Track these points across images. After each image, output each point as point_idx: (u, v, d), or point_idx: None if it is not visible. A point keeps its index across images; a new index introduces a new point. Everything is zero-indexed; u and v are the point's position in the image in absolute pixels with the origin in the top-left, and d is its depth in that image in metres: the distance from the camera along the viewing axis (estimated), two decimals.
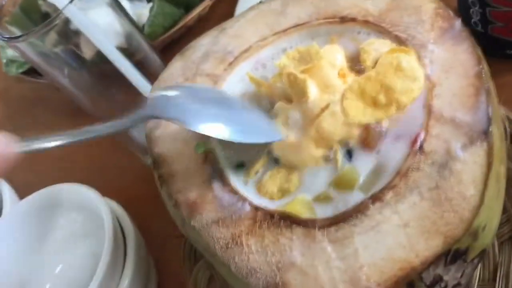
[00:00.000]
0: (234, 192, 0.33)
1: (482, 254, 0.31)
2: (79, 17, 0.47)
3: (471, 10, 0.49)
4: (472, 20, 0.50)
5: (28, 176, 0.71)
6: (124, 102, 0.58)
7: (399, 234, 0.28)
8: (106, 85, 0.57)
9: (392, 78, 0.32)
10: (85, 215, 0.49)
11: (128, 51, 0.58)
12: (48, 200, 0.49)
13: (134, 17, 0.71)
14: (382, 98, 0.32)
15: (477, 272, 0.40)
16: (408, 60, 0.33)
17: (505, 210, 0.41)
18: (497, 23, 0.48)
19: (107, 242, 0.43)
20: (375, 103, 0.32)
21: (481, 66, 0.32)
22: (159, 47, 0.69)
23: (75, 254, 0.51)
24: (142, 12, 0.71)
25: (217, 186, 0.34)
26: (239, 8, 0.68)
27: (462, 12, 0.51)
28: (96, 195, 0.47)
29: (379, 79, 0.32)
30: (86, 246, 0.50)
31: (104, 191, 0.54)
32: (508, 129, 0.44)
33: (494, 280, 0.39)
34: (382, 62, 0.33)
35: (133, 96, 0.54)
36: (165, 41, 0.69)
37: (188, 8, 0.71)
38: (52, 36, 0.66)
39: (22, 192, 0.65)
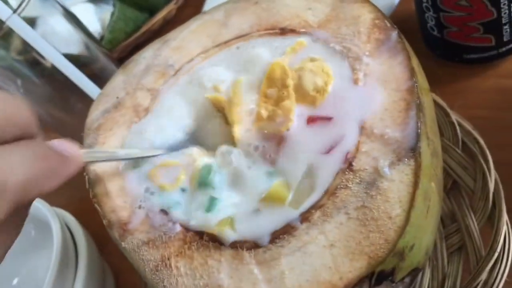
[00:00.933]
0: (165, 211, 0.32)
1: (415, 272, 0.31)
2: (23, 27, 0.46)
3: (426, 15, 0.48)
4: (428, 25, 0.49)
5: None
6: (82, 113, 0.57)
7: (325, 255, 0.28)
8: (65, 96, 0.56)
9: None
10: (37, 226, 0.49)
11: (88, 59, 0.57)
12: None
13: (99, 22, 0.70)
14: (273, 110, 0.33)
15: (426, 283, 0.40)
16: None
17: (454, 220, 0.41)
18: (452, 28, 0.47)
19: (54, 253, 0.43)
20: (271, 119, 0.33)
21: (413, 80, 0.31)
22: (124, 52, 0.68)
23: (31, 266, 0.51)
24: (106, 17, 0.70)
25: (149, 206, 0.33)
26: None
27: (419, 16, 0.50)
28: (44, 205, 0.46)
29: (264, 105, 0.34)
30: (40, 257, 0.50)
31: (62, 202, 0.54)
32: (459, 135, 0.44)
33: None
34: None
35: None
36: (129, 45, 0.68)
37: (152, 12, 0.70)
38: (17, 43, 0.65)
39: None
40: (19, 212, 0.25)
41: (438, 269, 0.40)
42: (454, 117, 0.44)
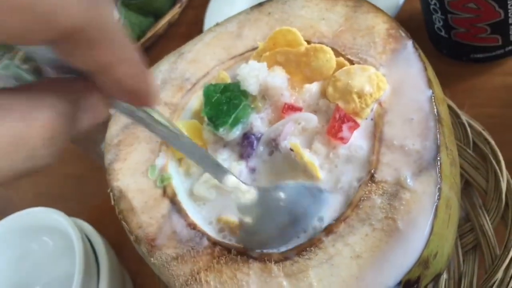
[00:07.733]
0: (192, 226, 0.33)
1: (437, 278, 0.32)
2: None
3: (434, 16, 0.49)
4: (436, 26, 0.50)
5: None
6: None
7: (352, 266, 0.29)
8: None
9: None
10: (55, 237, 0.50)
11: None
12: (18, 225, 0.50)
13: None
14: None
15: (442, 283, 0.41)
16: None
17: (468, 219, 0.42)
18: (459, 29, 0.48)
19: (77, 263, 0.44)
20: None
21: (431, 91, 0.32)
22: None
23: (51, 275, 0.52)
24: None
25: (176, 221, 0.34)
26: (209, 13, 0.68)
27: (426, 17, 0.51)
28: (63, 217, 0.47)
29: None
30: (61, 267, 0.51)
31: (79, 211, 0.54)
32: (470, 136, 0.44)
33: None
34: None
35: None
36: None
37: (157, 16, 0.70)
38: (21, 53, 0.66)
39: None
40: None
41: (454, 268, 0.41)
42: (464, 118, 0.45)
